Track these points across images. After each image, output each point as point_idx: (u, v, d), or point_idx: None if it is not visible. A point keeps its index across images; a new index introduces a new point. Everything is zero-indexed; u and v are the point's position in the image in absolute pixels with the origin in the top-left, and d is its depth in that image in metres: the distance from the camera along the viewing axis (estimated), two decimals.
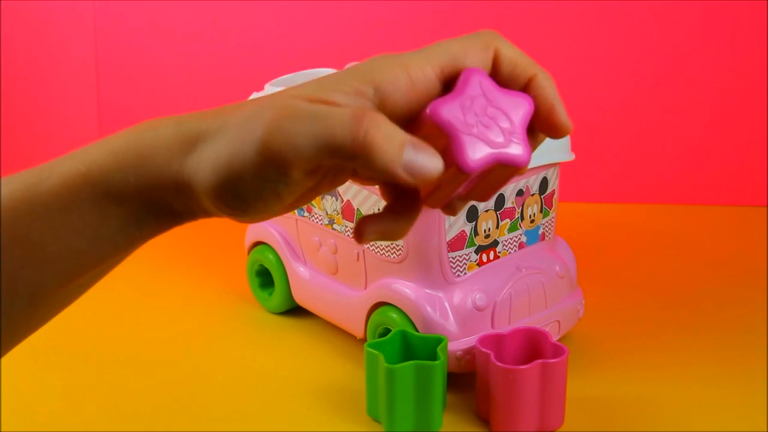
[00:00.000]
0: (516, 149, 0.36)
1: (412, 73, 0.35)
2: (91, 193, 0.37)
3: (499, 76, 0.37)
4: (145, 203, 0.37)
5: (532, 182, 0.79)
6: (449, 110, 0.35)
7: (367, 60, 0.37)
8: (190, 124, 0.37)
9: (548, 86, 0.38)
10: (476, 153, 0.35)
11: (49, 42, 1.29)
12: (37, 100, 1.32)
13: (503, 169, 0.37)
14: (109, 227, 0.38)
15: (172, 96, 1.28)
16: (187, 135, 0.37)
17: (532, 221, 0.80)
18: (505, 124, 0.36)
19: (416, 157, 0.34)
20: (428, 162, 0.34)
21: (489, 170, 0.36)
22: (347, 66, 0.94)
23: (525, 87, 0.38)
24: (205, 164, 0.36)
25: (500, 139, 0.35)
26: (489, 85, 0.36)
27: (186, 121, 0.37)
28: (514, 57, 0.38)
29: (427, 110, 0.35)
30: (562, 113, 0.37)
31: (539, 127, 0.38)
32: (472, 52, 0.36)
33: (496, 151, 0.35)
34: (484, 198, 0.39)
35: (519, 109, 0.36)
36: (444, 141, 0.35)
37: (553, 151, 0.79)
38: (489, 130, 0.35)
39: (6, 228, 0.37)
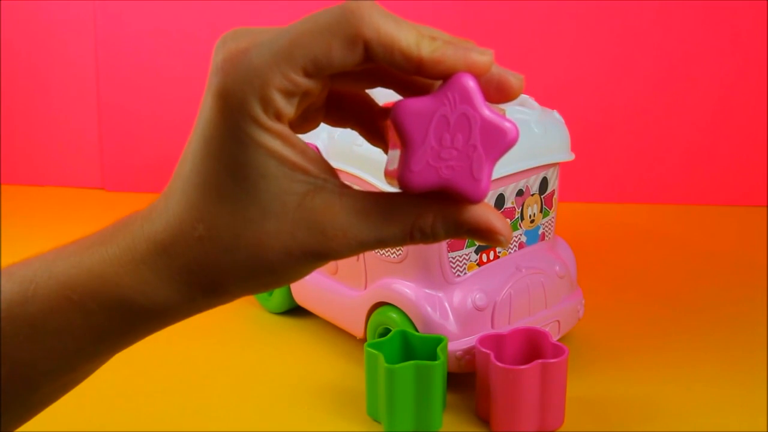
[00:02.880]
0: (471, 185, 0.32)
1: (278, 84, 0.31)
2: (86, 322, 0.35)
3: (380, 68, 0.33)
4: (147, 327, 0.36)
5: (532, 182, 0.79)
6: (414, 119, 0.31)
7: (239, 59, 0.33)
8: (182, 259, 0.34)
9: (476, 61, 0.32)
10: (424, 176, 0.31)
11: (49, 42, 1.29)
12: (37, 101, 1.32)
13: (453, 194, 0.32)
14: (104, 348, 0.37)
15: (172, 96, 1.28)
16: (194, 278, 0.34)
17: (532, 221, 0.80)
18: (474, 154, 0.31)
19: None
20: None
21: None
22: None
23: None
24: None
25: (460, 165, 0.31)
26: (472, 100, 0.31)
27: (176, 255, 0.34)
28: (392, 42, 0.31)
29: (394, 108, 0.31)
30: (510, 76, 0.33)
31: (490, 99, 0.33)
32: (336, 50, 0.31)
33: (445, 180, 0.31)
34: None
35: (497, 142, 0.32)
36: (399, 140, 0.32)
37: (553, 151, 0.79)
38: (451, 155, 0.31)
39: None
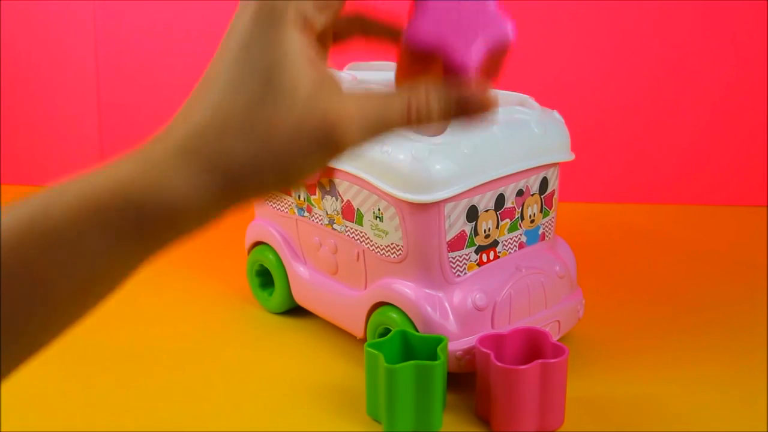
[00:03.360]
0: (462, 55, 0.38)
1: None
2: (103, 230, 0.35)
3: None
4: (169, 232, 0.36)
5: (532, 182, 0.79)
6: (428, 33, 0.38)
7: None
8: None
9: None
10: (426, 34, 0.38)
11: (49, 42, 1.29)
12: (37, 100, 1.32)
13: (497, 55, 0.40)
14: (126, 240, 0.35)
15: (172, 96, 1.28)
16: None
17: (532, 221, 0.80)
18: (471, 32, 0.39)
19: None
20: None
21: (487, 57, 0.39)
22: (347, 66, 0.95)
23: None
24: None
25: (459, 36, 0.39)
26: None
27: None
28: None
29: (407, 39, 0.38)
30: None
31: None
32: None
33: (443, 43, 0.38)
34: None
35: (495, 32, 0.41)
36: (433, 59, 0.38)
37: (553, 151, 0.79)
38: (452, 26, 0.39)
39: (6, 265, 0.34)
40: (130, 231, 0.35)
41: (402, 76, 0.40)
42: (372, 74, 0.90)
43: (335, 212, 0.81)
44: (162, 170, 0.35)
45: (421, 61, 0.39)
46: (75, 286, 0.36)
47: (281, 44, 0.35)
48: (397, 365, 0.68)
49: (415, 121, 0.37)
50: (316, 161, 0.35)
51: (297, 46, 0.35)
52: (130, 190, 0.35)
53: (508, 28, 0.40)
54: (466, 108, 0.38)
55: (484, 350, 0.71)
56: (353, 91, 0.36)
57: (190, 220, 0.36)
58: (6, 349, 0.36)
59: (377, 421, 0.72)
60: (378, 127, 0.36)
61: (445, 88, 0.37)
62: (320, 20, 0.36)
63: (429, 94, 0.37)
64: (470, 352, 0.74)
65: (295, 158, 0.35)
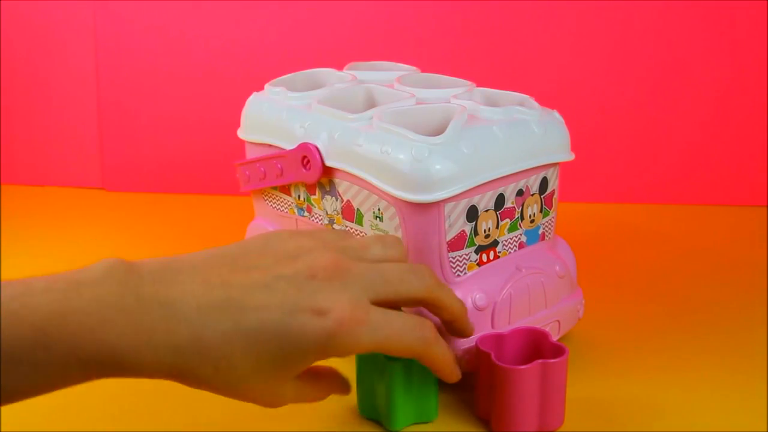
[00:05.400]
0: None
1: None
2: (47, 351, 0.40)
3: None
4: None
5: (532, 182, 0.79)
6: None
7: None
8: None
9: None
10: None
11: (49, 43, 1.29)
12: (37, 101, 1.32)
13: None
14: (64, 380, 0.42)
15: (172, 96, 1.28)
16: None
17: (532, 221, 0.80)
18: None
19: None
20: None
21: None
22: (347, 66, 0.94)
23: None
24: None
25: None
26: None
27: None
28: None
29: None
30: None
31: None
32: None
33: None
34: None
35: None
36: None
37: (553, 151, 0.79)
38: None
39: None
40: (74, 372, 0.41)
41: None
42: (372, 74, 0.91)
43: (335, 212, 0.81)
44: (143, 355, 0.41)
45: None
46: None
47: (308, 365, 0.47)
48: (390, 360, 0.68)
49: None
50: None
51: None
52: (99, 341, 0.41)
53: None
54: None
55: (484, 350, 0.70)
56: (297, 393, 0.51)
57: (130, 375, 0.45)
58: None
59: (370, 419, 0.72)
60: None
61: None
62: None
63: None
64: (470, 352, 0.74)
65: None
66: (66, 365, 0.38)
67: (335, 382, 0.55)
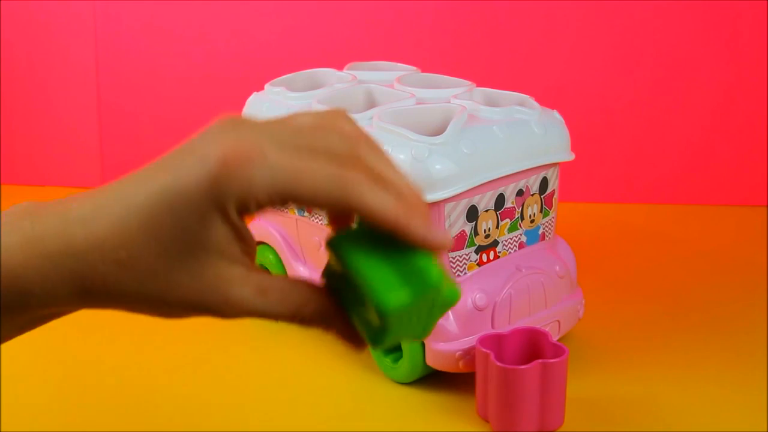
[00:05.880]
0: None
1: (260, 200, 0.36)
2: None
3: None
4: (44, 312, 0.38)
5: (532, 182, 0.79)
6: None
7: None
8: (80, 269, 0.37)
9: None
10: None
11: (49, 42, 1.29)
12: (37, 101, 1.32)
13: None
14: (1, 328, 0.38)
15: (172, 96, 1.28)
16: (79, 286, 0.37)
17: (532, 221, 0.80)
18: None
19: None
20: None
21: None
22: (347, 66, 0.94)
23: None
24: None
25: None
26: None
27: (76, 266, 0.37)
28: (374, 213, 0.38)
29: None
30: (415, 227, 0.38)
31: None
32: (321, 201, 0.38)
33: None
34: None
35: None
36: None
37: (553, 151, 0.79)
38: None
39: None
40: (2, 310, 0.37)
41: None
42: (372, 74, 0.91)
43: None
44: (47, 268, 0.36)
45: None
46: None
47: (214, 228, 0.36)
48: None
49: (297, 323, 0.40)
50: (192, 316, 0.38)
51: (226, 232, 0.36)
52: (14, 275, 0.36)
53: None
54: (344, 340, 0.42)
55: (484, 350, 0.71)
56: (258, 282, 0.38)
57: (56, 312, 0.39)
58: None
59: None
60: (262, 318, 0.39)
61: (333, 320, 0.41)
62: (255, 213, 0.37)
63: (315, 314, 0.40)
64: (470, 352, 0.74)
65: (176, 314, 0.38)
66: None
67: (306, 293, 0.40)
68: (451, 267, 0.75)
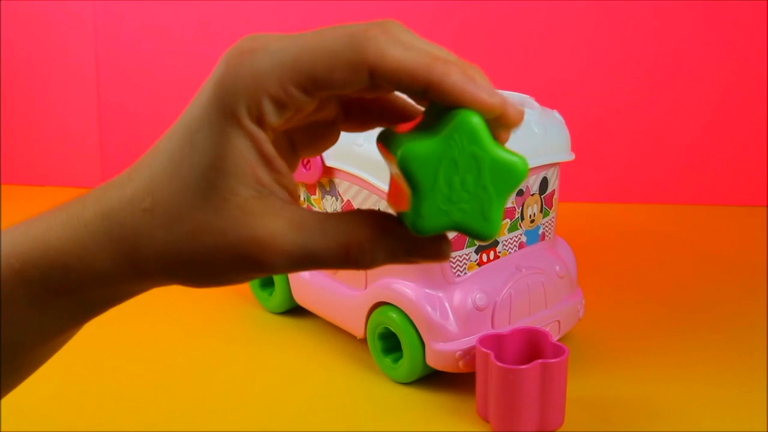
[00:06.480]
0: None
1: (272, 92, 0.32)
2: (28, 290, 0.34)
3: (383, 98, 0.34)
4: (90, 295, 0.35)
5: (532, 182, 0.79)
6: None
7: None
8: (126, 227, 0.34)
9: (458, 82, 0.31)
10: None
11: (49, 42, 1.29)
12: (37, 101, 1.32)
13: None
14: (51, 317, 0.35)
15: (172, 96, 1.28)
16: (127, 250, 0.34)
17: (532, 221, 0.80)
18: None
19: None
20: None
21: None
22: None
23: (426, 93, 0.31)
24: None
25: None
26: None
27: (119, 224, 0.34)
28: (398, 68, 0.31)
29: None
30: (510, 108, 0.31)
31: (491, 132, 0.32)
32: (338, 72, 0.31)
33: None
34: None
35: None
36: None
37: (553, 151, 0.79)
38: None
39: None
40: (47, 295, 0.34)
41: (393, 196, 0.35)
42: None
43: (335, 212, 0.81)
44: (84, 236, 0.34)
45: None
46: (5, 341, 0.35)
47: (227, 142, 0.32)
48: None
49: (353, 263, 0.34)
50: (235, 276, 0.33)
51: (243, 146, 0.32)
52: (54, 252, 0.34)
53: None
54: (415, 256, 0.34)
55: (484, 350, 0.70)
56: (292, 214, 0.33)
57: (108, 290, 0.35)
58: None
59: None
60: (306, 262, 0.33)
61: (393, 239, 0.34)
62: (276, 120, 0.32)
63: (374, 242, 0.34)
64: (470, 352, 0.74)
65: (212, 267, 0.33)
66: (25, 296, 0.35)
67: (355, 218, 0.35)
68: (452, 267, 0.75)
